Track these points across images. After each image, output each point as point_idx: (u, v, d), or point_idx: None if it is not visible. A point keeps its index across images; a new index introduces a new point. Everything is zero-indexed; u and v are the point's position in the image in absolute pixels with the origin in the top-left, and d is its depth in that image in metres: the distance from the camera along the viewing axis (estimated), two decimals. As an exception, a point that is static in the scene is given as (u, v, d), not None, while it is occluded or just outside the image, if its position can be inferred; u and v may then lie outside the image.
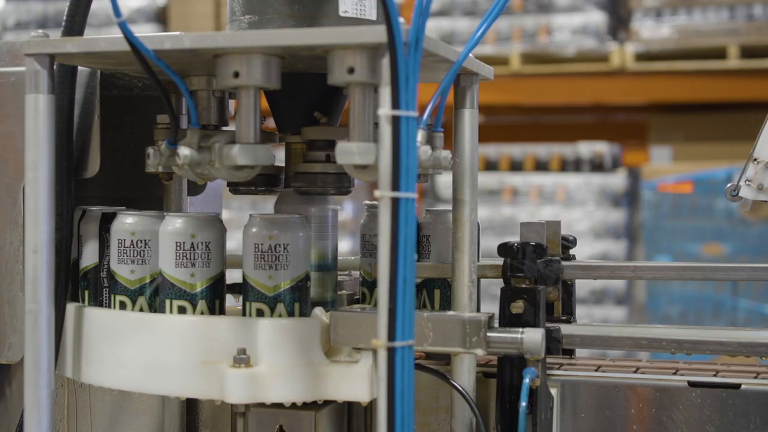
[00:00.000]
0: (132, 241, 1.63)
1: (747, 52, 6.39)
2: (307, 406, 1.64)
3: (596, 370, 1.77)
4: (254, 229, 1.58)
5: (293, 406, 1.62)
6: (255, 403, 1.62)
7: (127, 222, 1.64)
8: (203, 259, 1.58)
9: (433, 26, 6.83)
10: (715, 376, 1.71)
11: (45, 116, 1.50)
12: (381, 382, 1.32)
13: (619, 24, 6.88)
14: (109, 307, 1.66)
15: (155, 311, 1.63)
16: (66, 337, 1.66)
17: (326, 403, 1.67)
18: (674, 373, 1.73)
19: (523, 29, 6.84)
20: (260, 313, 1.57)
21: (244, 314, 1.59)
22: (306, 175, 1.66)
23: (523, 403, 1.59)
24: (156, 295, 1.63)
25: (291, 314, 1.57)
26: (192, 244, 1.57)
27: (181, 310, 1.58)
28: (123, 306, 1.64)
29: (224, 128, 1.63)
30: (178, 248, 1.57)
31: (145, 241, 1.62)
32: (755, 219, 5.52)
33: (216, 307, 1.60)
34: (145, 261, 1.63)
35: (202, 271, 1.58)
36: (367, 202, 1.81)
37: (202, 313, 1.58)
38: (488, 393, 1.72)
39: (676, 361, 1.84)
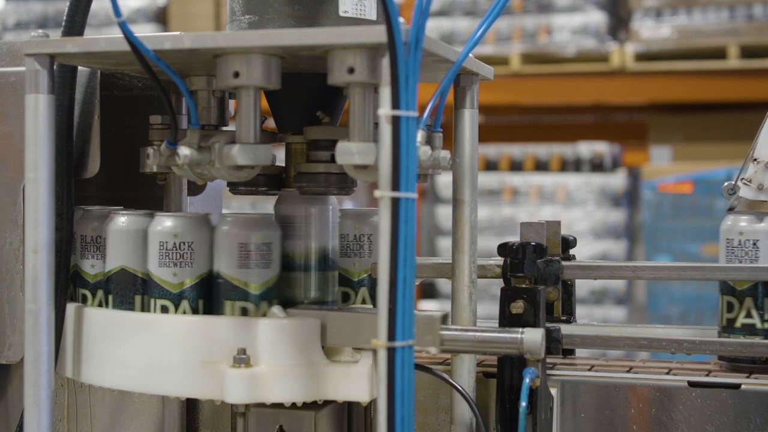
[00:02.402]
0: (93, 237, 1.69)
1: (747, 52, 6.39)
2: (307, 406, 1.64)
3: (589, 370, 1.77)
4: (159, 227, 1.59)
5: (293, 406, 1.62)
6: (255, 403, 1.62)
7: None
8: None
9: (433, 26, 6.82)
10: (667, 373, 1.73)
11: (45, 116, 1.50)
12: (381, 382, 1.32)
13: (619, 24, 6.87)
14: (75, 300, 1.69)
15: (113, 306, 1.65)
16: (66, 337, 1.66)
17: (326, 403, 1.67)
18: (668, 373, 1.74)
19: (523, 29, 6.84)
20: (165, 310, 1.59)
21: (147, 311, 1.61)
22: (308, 175, 1.66)
23: (523, 403, 1.59)
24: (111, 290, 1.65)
25: (195, 311, 1.59)
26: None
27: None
28: (84, 299, 1.69)
29: (224, 128, 1.63)
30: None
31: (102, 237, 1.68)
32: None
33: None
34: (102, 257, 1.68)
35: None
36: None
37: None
38: (488, 393, 1.72)
39: (668, 361, 1.84)
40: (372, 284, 1.72)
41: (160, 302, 1.59)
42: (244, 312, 1.57)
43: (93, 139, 1.75)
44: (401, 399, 1.32)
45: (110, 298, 1.65)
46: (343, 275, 1.72)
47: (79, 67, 1.70)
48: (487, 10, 1.56)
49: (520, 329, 1.56)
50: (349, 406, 1.76)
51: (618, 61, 6.65)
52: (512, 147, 7.17)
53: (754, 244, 1.76)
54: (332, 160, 1.61)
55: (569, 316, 1.90)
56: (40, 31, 1.57)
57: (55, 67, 1.52)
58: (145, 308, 1.63)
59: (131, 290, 1.64)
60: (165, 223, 1.59)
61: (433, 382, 1.74)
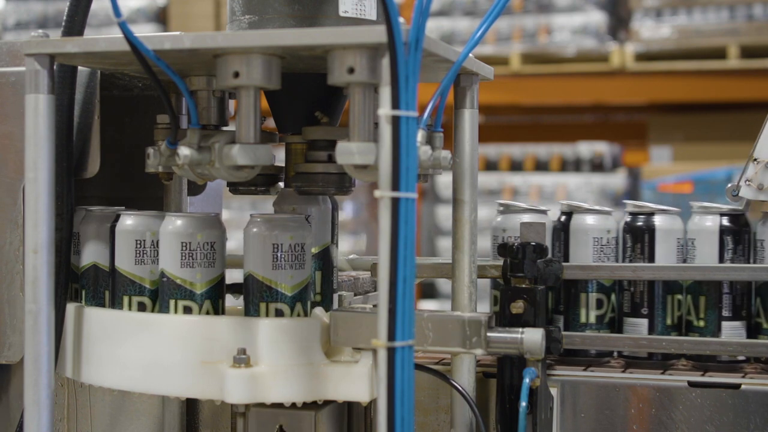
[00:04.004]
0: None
1: (747, 52, 6.39)
2: (307, 406, 1.64)
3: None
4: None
5: (293, 406, 1.62)
6: (255, 403, 1.62)
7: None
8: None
9: (433, 26, 6.82)
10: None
11: (45, 116, 1.50)
12: (381, 382, 1.32)
13: (619, 24, 6.87)
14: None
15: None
16: (66, 337, 1.66)
17: (326, 402, 1.67)
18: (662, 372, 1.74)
19: (523, 29, 6.84)
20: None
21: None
22: (307, 174, 1.66)
23: (523, 403, 1.59)
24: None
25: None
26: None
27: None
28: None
29: (224, 128, 1.63)
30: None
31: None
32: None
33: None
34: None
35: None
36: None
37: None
38: (488, 393, 1.72)
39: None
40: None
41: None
42: (188, 311, 1.58)
43: (93, 139, 1.75)
44: (401, 399, 1.32)
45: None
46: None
47: (79, 67, 1.70)
48: (487, 10, 1.56)
49: (520, 329, 1.56)
50: (349, 406, 1.76)
51: (618, 61, 6.64)
52: (512, 147, 7.17)
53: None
54: (330, 160, 1.61)
55: (569, 316, 1.90)
56: (40, 31, 1.57)
57: (55, 67, 1.52)
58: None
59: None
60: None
61: (433, 382, 1.74)
